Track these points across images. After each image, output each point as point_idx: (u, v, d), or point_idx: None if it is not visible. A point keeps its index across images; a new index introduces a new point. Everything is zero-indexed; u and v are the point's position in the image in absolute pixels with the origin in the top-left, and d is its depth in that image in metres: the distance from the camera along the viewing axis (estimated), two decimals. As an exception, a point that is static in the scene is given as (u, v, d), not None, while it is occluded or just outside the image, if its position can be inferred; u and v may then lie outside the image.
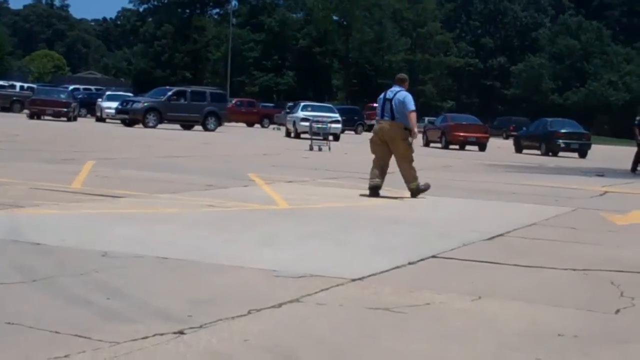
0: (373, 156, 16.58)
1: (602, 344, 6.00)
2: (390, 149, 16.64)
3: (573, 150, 46.04)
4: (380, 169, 16.56)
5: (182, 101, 52.31)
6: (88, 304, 6.37)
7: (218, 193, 14.84)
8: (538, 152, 46.32)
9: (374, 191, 16.34)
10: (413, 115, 16.53)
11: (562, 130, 46.44)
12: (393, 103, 16.46)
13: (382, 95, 16.92)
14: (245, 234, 10.30)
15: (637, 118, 32.45)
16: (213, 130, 51.43)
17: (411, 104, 16.45)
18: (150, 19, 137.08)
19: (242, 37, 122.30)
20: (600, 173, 28.95)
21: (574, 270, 8.88)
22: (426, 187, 16.77)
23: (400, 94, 16.54)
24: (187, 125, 52.93)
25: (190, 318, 6.06)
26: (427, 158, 33.89)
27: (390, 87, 16.74)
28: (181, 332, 5.69)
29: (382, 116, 16.64)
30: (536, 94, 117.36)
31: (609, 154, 52.77)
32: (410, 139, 16.59)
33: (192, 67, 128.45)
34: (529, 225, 12.67)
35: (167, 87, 58.37)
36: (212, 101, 53.08)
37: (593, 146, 48.54)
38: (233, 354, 5.33)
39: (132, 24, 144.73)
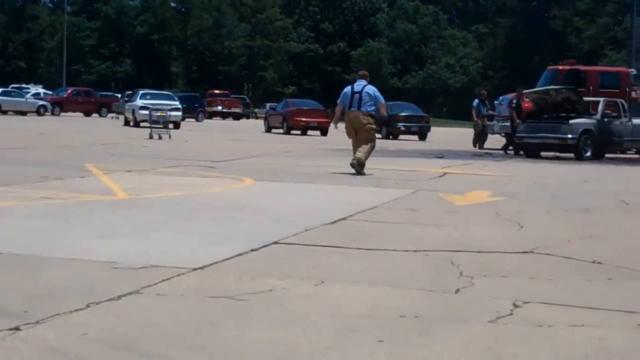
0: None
1: (443, 324, 6.07)
2: (358, 133, 19.30)
3: (413, 133, 46.85)
4: None
5: None
6: None
7: (54, 185, 14.48)
8: (379, 135, 46.87)
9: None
10: (384, 107, 20.12)
11: (402, 114, 47.16)
12: (362, 95, 19.22)
13: (348, 89, 19.70)
14: (82, 225, 10.06)
15: (514, 102, 33.14)
16: None
17: (381, 97, 19.61)
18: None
19: (78, 25, 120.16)
20: (440, 155, 29.52)
21: (415, 251, 8.97)
22: (362, 173, 18.80)
23: (369, 88, 19.44)
24: None
25: (26, 314, 5.87)
26: (269, 144, 33.97)
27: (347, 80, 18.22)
28: (17, 328, 5.50)
29: (351, 107, 19.30)
30: (376, 77, 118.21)
31: (448, 135, 53.85)
32: (374, 126, 19.57)
33: (27, 56, 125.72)
34: (370, 208, 12.77)
35: None
36: None
37: (432, 128, 49.47)
38: (71, 349, 5.18)
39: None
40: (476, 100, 38.12)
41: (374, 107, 19.38)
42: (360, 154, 18.97)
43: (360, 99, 19.24)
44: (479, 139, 37.05)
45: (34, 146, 26.19)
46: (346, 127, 19.85)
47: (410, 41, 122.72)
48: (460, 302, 6.83)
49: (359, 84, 19.58)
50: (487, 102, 38.33)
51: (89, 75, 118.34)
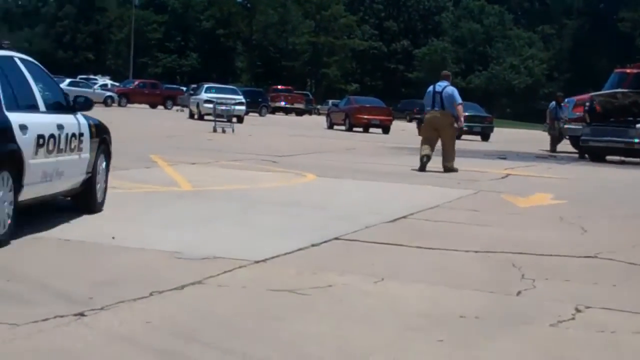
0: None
1: (503, 326, 6.05)
2: (439, 134, 19.94)
3: (475, 134, 46.44)
4: (430, 146, 19.79)
5: None
6: (-15, 287, 6.22)
7: (119, 174, 14.58)
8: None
9: (424, 165, 19.58)
10: (461, 107, 20.71)
11: (465, 114, 46.74)
12: (443, 96, 19.98)
13: (431, 89, 20.37)
14: (147, 215, 10.17)
15: (587, 104, 32.70)
16: None
17: (459, 98, 20.41)
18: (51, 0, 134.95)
19: (145, 19, 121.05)
20: (503, 156, 29.31)
21: (476, 252, 8.94)
22: (456, 170, 19.75)
23: (449, 89, 20.20)
24: None
25: (91, 300, 5.97)
26: (331, 140, 33.95)
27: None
28: (82, 314, 5.60)
29: (433, 107, 20.05)
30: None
31: (511, 137, 53.42)
32: (456, 125, 20.30)
33: (95, 48, 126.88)
34: (431, 207, 12.73)
35: None
36: None
37: (495, 129, 49.11)
38: (134, 336, 5.26)
39: (33, 5, 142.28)
40: (553, 103, 37.52)
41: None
42: (448, 163, 19.80)
43: (441, 99, 19.96)
44: (556, 142, 36.39)
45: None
46: (423, 126, 20.48)
47: (475, 41, 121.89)
48: (521, 304, 6.80)
49: (440, 85, 20.26)
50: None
51: (155, 68, 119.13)
